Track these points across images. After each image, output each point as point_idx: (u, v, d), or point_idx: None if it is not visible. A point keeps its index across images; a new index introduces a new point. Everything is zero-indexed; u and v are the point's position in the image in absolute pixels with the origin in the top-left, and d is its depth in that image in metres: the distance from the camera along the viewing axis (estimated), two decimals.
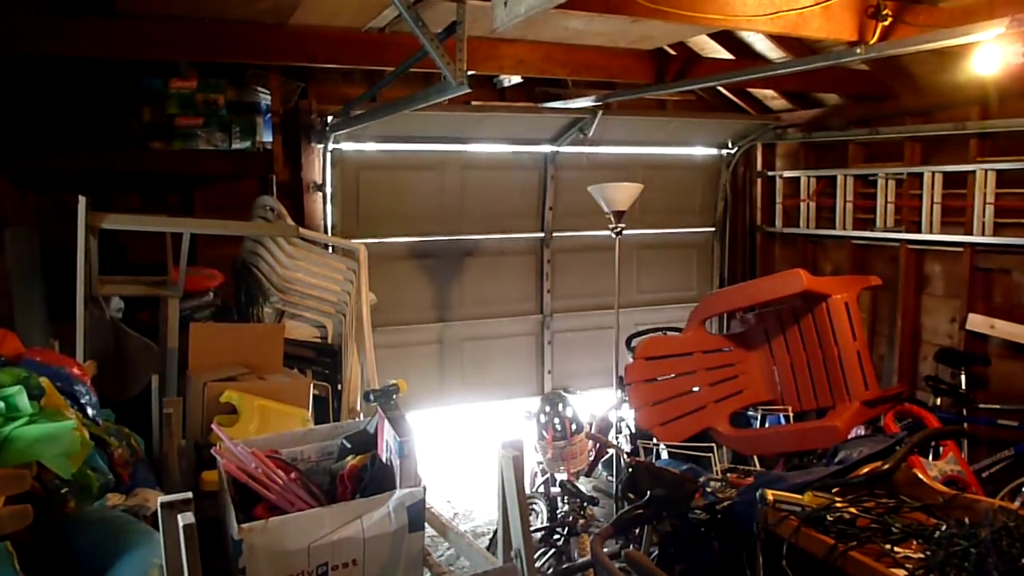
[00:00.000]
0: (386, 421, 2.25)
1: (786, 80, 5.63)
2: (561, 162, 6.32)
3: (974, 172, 5.30)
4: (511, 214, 6.44)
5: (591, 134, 5.91)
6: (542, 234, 6.59)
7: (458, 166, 6.06)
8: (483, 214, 6.32)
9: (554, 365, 6.84)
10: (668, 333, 5.65)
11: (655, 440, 4.89)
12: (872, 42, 4.03)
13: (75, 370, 2.48)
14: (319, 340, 4.47)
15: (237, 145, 5.10)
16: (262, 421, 3.17)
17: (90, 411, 2.39)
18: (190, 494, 1.65)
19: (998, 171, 5.21)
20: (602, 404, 5.57)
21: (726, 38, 5.41)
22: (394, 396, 2.35)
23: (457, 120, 5.73)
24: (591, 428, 5.06)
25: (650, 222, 6.90)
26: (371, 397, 2.31)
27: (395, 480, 2.16)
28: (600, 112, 5.65)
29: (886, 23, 3.98)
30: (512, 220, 6.47)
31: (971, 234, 5.36)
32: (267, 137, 5.31)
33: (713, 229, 7.37)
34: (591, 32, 4.72)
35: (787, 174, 6.95)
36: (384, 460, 2.28)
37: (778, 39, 5.19)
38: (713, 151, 7.09)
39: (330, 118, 5.41)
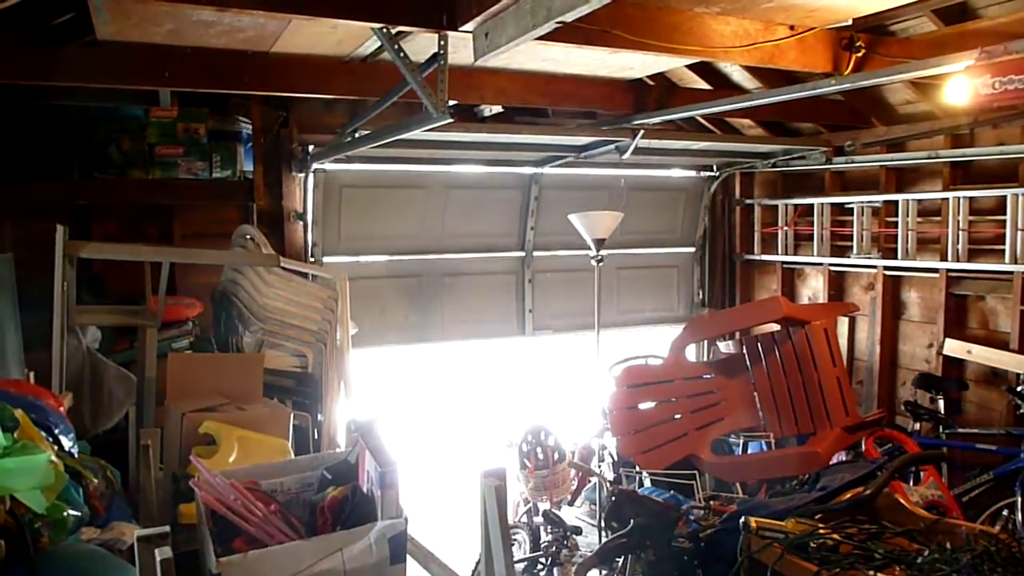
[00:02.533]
0: (367, 451, 2.23)
1: (764, 110, 5.71)
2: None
3: (947, 200, 5.39)
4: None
5: (626, 156, 5.73)
6: (532, 170, 6.39)
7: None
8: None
9: (535, 305, 6.71)
10: (650, 361, 5.66)
11: (637, 468, 4.88)
12: (846, 73, 4.11)
13: (50, 401, 2.45)
14: (299, 369, 4.44)
15: (218, 174, 5.08)
16: (241, 452, 3.14)
17: (65, 443, 2.35)
18: (167, 528, 1.63)
19: (970, 199, 5.31)
20: (584, 431, 5.56)
21: (704, 69, 5.48)
22: (377, 426, 2.34)
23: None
24: (573, 456, 5.05)
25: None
26: (353, 427, 2.30)
27: (376, 511, 2.14)
28: (642, 132, 5.43)
29: (859, 54, 4.06)
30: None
31: (946, 260, 5.44)
32: (248, 166, 5.30)
33: (695, 172, 7.26)
34: (571, 62, 4.77)
35: (765, 202, 7.03)
36: (365, 491, 2.26)
37: (754, 70, 5.28)
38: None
39: (311, 147, 5.42)
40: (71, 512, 2.07)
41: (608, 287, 6.83)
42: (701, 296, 7.55)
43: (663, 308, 7.44)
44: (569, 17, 2.49)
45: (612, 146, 5.67)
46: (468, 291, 6.47)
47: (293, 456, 3.24)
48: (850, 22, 3.82)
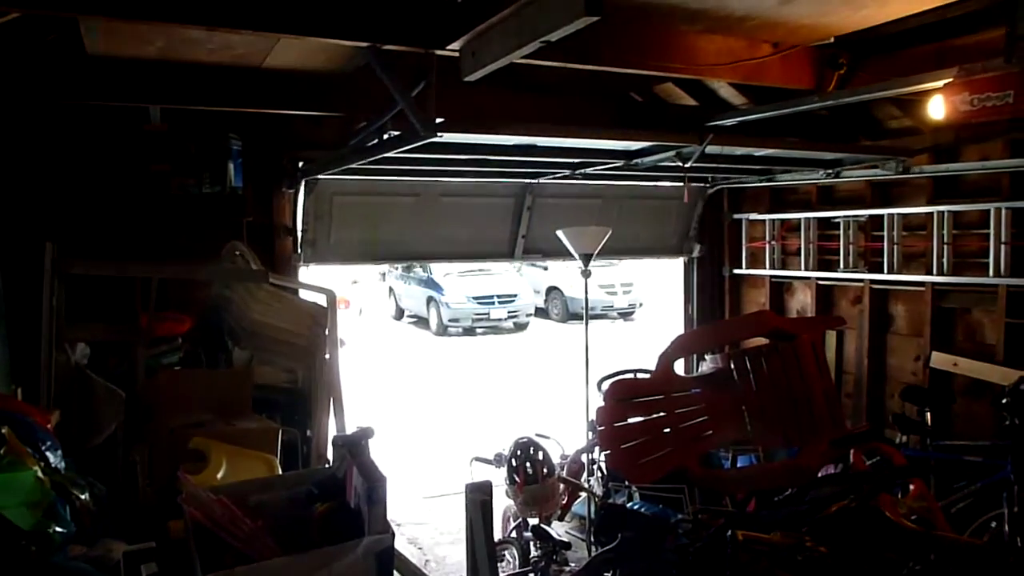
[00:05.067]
0: (355, 467, 2.24)
1: (748, 124, 5.75)
2: None
3: (932, 214, 5.45)
4: None
5: (688, 165, 5.32)
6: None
7: None
8: None
9: (529, 231, 6.58)
10: (638, 375, 5.68)
11: (626, 482, 4.89)
12: (829, 89, 4.17)
13: (37, 418, 2.45)
14: (289, 385, 4.45)
15: (207, 190, 5.10)
16: (230, 468, 3.15)
17: (52, 459, 2.35)
18: (153, 544, 1.64)
19: (955, 213, 5.37)
20: (574, 445, 5.57)
21: (690, 85, 5.54)
22: (365, 441, 2.35)
23: None
24: (563, 471, 5.06)
25: None
26: (339, 442, 2.31)
27: (364, 526, 2.15)
28: (711, 136, 4.89)
29: (842, 71, 4.12)
30: None
31: (931, 274, 5.49)
32: (238, 182, 5.31)
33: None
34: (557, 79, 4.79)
35: (753, 217, 7.09)
36: (352, 506, 2.27)
37: (739, 86, 5.33)
38: None
39: (301, 163, 5.44)
40: (58, 529, 2.08)
41: (606, 216, 6.71)
42: (695, 230, 7.39)
43: (657, 239, 7.34)
44: (554, 37, 2.52)
45: (672, 152, 5.19)
46: (465, 213, 6.36)
47: (281, 472, 3.25)
48: (832, 40, 3.88)
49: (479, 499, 1.96)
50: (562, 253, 6.11)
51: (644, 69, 3.82)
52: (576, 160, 5.50)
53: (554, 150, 5.17)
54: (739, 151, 5.63)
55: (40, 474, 1.96)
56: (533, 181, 6.25)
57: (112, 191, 4.92)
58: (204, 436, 3.31)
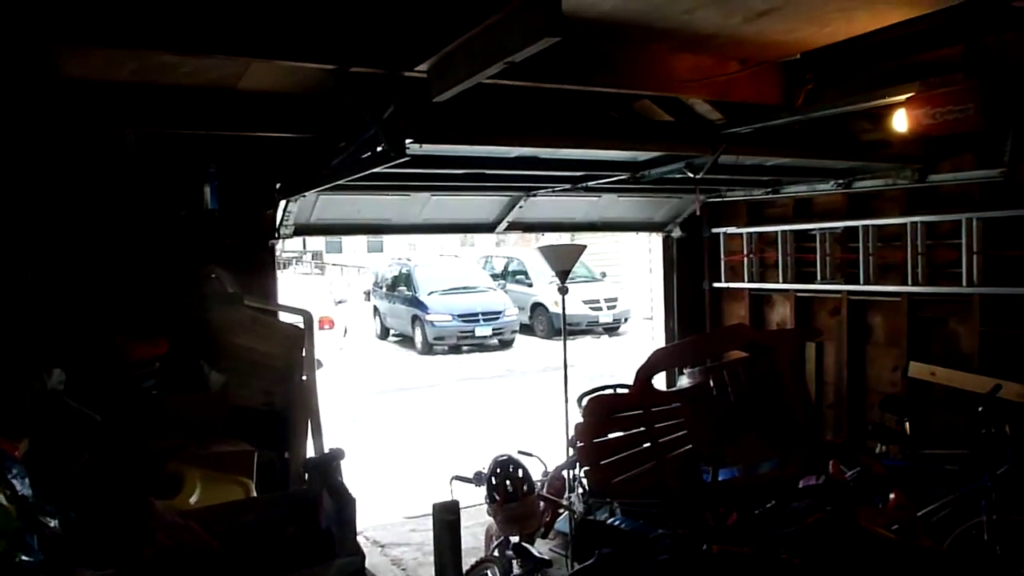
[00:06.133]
0: (325, 490, 2.25)
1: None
2: None
3: (906, 225, 5.52)
4: None
5: (699, 176, 5.19)
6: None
7: None
8: None
9: (516, 216, 6.60)
10: (618, 390, 5.69)
11: (607, 498, 4.88)
12: (797, 105, 4.22)
13: (4, 446, 2.43)
14: (267, 407, 4.43)
15: (184, 212, 5.10)
16: (204, 492, 3.13)
17: (19, 487, 2.33)
18: (113, 571, 1.64)
19: (928, 224, 5.44)
20: (556, 462, 5.56)
21: (666, 102, 5.58)
22: (335, 463, 2.35)
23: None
24: (543, 488, 5.05)
25: None
26: (309, 465, 2.31)
27: (334, 548, 2.15)
28: (723, 146, 4.79)
29: (809, 87, 4.18)
30: None
31: (907, 284, 5.55)
32: (214, 204, 5.31)
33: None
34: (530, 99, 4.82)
35: (731, 231, 7.14)
36: (324, 528, 2.27)
37: (714, 102, 5.37)
38: None
39: (278, 184, 5.45)
40: (25, 558, 2.06)
41: (601, 206, 6.82)
42: (684, 218, 7.41)
43: (643, 220, 7.44)
44: (518, 58, 2.55)
45: (682, 163, 5.07)
46: (454, 208, 6.44)
47: (256, 495, 3.23)
48: (799, 56, 3.94)
49: (446, 519, 1.96)
50: (544, 227, 6.15)
51: (615, 87, 3.86)
52: (579, 173, 5.38)
53: (555, 162, 5.09)
54: (749, 161, 5.53)
55: (5, 502, 1.94)
56: (532, 195, 6.29)
57: (88, 215, 4.90)
58: (179, 460, 3.29)
